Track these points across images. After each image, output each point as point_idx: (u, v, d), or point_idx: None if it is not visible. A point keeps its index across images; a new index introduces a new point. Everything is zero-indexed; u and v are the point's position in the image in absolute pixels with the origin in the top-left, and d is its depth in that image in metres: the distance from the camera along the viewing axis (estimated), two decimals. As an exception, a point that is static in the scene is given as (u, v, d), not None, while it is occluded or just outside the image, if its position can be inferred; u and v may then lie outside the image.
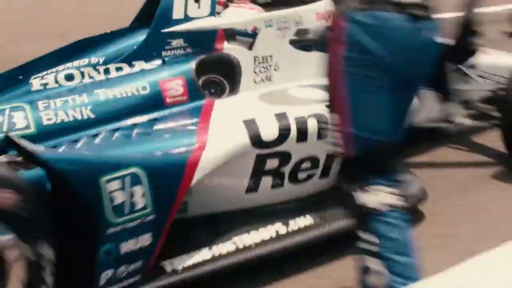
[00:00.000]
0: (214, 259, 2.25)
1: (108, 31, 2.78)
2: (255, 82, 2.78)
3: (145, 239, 2.03)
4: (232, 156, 2.33)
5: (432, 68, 1.84)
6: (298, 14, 2.90)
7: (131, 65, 2.62)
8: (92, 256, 1.91)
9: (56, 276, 1.85)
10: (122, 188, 1.91)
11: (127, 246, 1.99)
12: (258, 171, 2.44)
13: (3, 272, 1.73)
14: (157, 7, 2.70)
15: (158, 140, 2.30)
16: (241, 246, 2.32)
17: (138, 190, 1.95)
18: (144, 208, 1.98)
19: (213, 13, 2.77)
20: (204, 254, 2.26)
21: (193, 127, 2.39)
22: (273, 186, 2.51)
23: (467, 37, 3.28)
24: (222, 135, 2.36)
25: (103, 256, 1.92)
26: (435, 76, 3.03)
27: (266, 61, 2.81)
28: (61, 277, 1.87)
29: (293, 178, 2.54)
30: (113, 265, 1.98)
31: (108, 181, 1.87)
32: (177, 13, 2.70)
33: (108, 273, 1.97)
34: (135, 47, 2.66)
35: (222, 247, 2.30)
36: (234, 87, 2.74)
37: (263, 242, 2.35)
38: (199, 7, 2.74)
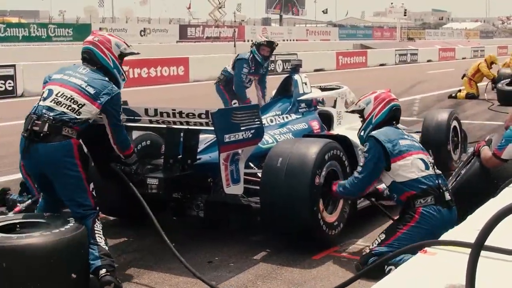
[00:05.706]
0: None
1: (270, 100, 5.42)
2: (337, 124, 5.58)
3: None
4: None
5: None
6: (344, 92, 5.82)
7: (291, 115, 5.27)
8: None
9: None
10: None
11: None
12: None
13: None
14: (285, 86, 5.44)
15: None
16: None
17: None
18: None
19: (311, 91, 5.56)
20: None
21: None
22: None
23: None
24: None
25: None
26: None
27: (340, 114, 5.63)
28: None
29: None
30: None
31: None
32: (300, 91, 5.46)
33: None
34: (289, 108, 5.32)
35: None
36: (331, 127, 5.50)
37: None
38: (306, 87, 5.52)
